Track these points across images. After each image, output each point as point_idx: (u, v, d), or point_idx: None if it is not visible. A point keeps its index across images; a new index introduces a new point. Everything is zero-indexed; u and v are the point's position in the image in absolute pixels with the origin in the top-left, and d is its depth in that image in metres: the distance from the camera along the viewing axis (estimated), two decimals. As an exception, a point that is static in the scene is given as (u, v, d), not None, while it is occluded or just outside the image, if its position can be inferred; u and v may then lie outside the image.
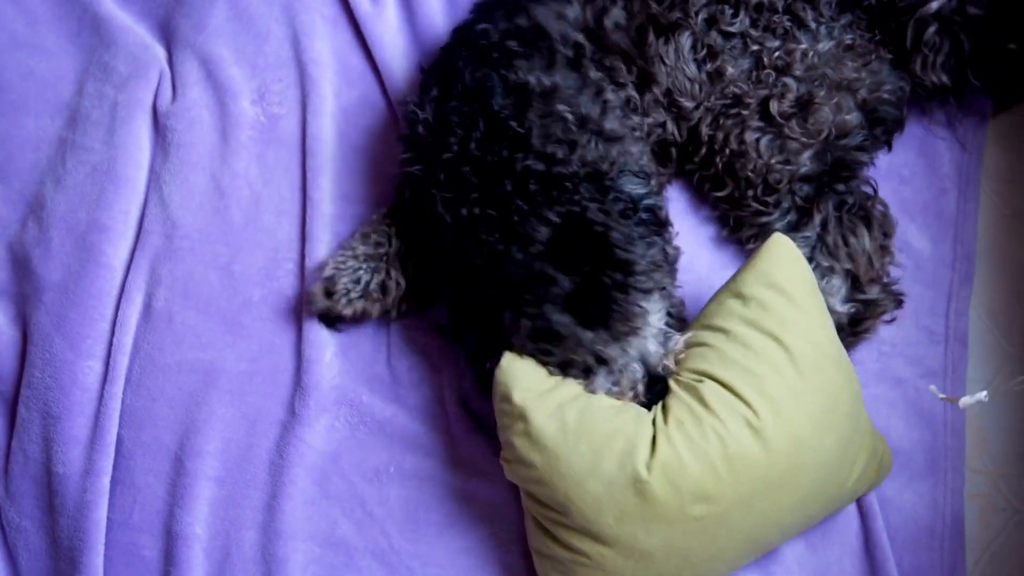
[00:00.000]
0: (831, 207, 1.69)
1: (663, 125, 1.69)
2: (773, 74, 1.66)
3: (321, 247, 1.77)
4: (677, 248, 1.60)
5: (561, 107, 1.55)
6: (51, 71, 1.90)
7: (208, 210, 1.81)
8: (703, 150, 1.71)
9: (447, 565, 1.66)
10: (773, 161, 1.66)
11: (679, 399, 1.47)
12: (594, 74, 1.62)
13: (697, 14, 1.66)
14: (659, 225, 1.55)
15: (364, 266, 1.69)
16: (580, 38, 1.62)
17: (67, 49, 1.92)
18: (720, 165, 1.70)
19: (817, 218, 1.69)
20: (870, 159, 1.75)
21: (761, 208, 1.70)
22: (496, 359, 1.49)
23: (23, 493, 1.71)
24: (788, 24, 1.67)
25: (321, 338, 1.73)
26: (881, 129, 1.73)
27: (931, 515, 1.69)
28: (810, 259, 1.67)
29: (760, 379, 1.46)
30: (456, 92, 1.58)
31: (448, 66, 1.63)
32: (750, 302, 1.51)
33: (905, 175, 1.83)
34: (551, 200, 1.48)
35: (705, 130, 1.69)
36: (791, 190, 1.69)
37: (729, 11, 1.66)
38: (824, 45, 1.67)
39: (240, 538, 1.67)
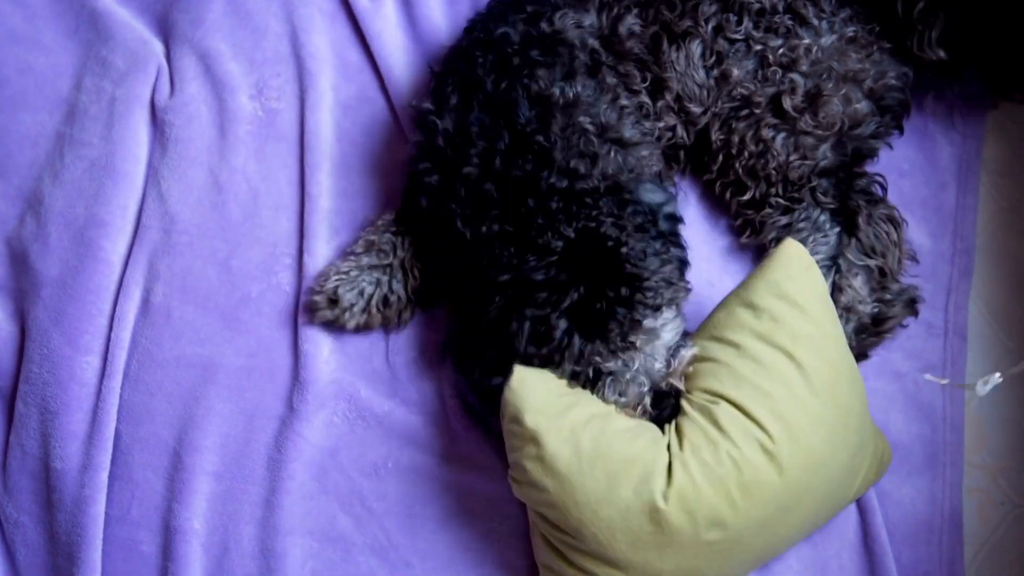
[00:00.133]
0: (862, 202, 1.69)
1: (673, 129, 1.71)
2: (779, 71, 1.67)
3: (319, 242, 1.77)
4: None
5: (583, 119, 1.55)
6: (49, 66, 1.90)
7: (206, 205, 1.80)
8: (720, 157, 1.72)
9: (445, 559, 1.66)
10: (792, 158, 1.67)
11: (693, 422, 1.46)
12: (611, 80, 1.63)
13: (707, 22, 1.67)
14: (678, 235, 1.56)
15: (368, 278, 1.69)
16: (596, 45, 1.63)
17: (65, 44, 1.92)
18: (740, 168, 1.70)
19: (850, 217, 1.69)
20: (885, 145, 1.76)
21: (787, 205, 1.70)
22: (504, 375, 1.47)
23: (21, 488, 1.70)
24: (790, 23, 1.68)
25: (319, 333, 1.73)
26: (890, 116, 1.75)
27: (930, 509, 1.69)
28: (835, 257, 1.68)
29: (773, 399, 1.44)
30: (478, 101, 1.57)
31: (466, 71, 1.61)
32: (762, 313, 1.49)
33: (904, 169, 1.83)
34: (570, 217, 1.48)
35: (717, 135, 1.70)
36: (812, 186, 1.69)
37: (734, 18, 1.68)
38: (827, 39, 1.68)
39: (238, 533, 1.67)
